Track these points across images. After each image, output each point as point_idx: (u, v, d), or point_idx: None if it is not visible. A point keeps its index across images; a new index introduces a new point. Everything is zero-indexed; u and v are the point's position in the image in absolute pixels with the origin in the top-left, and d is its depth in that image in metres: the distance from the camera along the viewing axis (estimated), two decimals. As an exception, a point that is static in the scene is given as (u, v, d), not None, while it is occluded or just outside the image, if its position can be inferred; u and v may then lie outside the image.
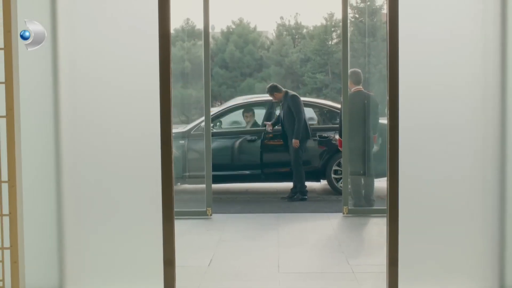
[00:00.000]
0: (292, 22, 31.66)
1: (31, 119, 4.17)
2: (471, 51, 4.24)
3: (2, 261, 3.93)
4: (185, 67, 9.06)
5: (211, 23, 7.68)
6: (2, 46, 3.89)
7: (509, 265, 4.26)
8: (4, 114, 3.89)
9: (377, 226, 6.49)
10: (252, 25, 31.22)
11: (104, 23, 4.29)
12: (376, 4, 10.76)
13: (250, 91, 24.91)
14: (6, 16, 3.88)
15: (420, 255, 4.28)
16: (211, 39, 9.15)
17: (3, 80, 3.89)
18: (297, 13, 31.84)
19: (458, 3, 4.24)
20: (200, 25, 7.52)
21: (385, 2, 4.26)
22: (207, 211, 7.17)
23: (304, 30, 31.44)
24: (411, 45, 4.19)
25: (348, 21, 7.55)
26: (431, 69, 4.25)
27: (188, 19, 17.65)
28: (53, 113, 4.26)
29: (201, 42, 7.60)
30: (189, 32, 19.46)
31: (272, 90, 8.88)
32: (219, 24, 31.65)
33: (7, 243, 3.92)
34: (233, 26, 30.85)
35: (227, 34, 30.24)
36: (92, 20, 4.28)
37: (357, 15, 26.51)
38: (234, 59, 28.38)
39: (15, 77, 3.88)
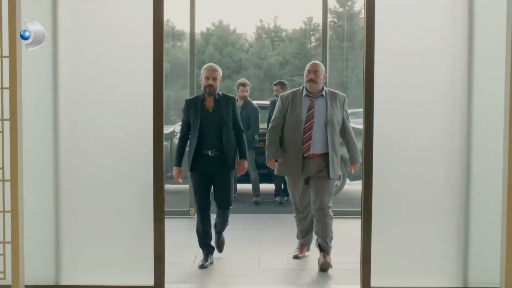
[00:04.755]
0: (272, 25, 31.84)
1: (32, 122, 4.36)
2: (440, 61, 4.51)
3: (4, 255, 4.19)
4: (165, 68, 9.24)
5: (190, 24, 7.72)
6: (7, 54, 4.16)
7: (472, 265, 4.55)
8: (8, 117, 4.16)
9: (353, 227, 6.77)
10: (231, 27, 31.35)
11: (101, 32, 4.48)
12: (354, 9, 10.60)
13: (229, 92, 25.02)
14: (11, 26, 4.14)
15: (391, 254, 4.53)
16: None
17: (7, 85, 4.16)
18: (276, 16, 32.06)
19: (430, 16, 4.50)
20: (179, 27, 7.73)
21: (363, 7, 4.53)
22: (190, 211, 7.45)
23: (283, 33, 31.61)
24: (386, 55, 4.44)
25: (327, 25, 7.72)
26: (405, 79, 4.50)
27: (168, 20, 17.76)
28: (53, 117, 4.46)
29: (180, 43, 7.84)
30: (169, 33, 19.54)
31: (283, 85, 8.67)
32: (199, 25, 31.75)
33: (8, 238, 4.18)
34: (213, 28, 30.95)
35: (206, 36, 30.31)
36: (91, 29, 4.48)
37: (335, 20, 26.81)
38: (213, 61, 28.24)
39: (18, 83, 4.13)
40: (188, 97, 6.14)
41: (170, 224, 6.62)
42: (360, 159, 5.28)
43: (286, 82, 8.94)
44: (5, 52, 4.14)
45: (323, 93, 5.38)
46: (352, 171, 5.58)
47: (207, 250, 5.50)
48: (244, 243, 6.27)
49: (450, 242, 4.57)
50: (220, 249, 5.67)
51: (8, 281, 4.20)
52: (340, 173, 5.72)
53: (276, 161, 5.46)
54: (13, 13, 4.12)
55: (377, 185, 4.49)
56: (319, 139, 5.29)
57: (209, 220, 5.50)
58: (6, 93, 4.14)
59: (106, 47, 4.50)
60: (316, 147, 5.29)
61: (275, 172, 5.59)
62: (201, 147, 5.38)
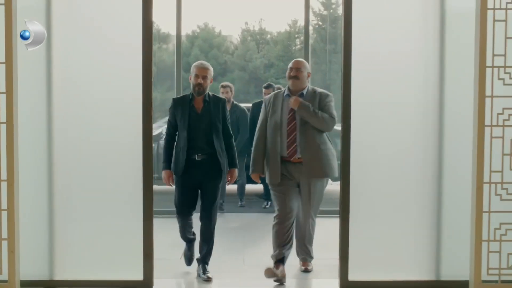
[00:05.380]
0: (257, 28, 31.91)
1: (27, 125, 4.54)
2: (414, 65, 4.74)
3: (0, 251, 4.37)
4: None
5: (176, 26, 7.82)
6: (3, 60, 4.33)
7: (444, 259, 4.77)
8: (5, 121, 4.35)
9: (332, 225, 6.98)
10: (217, 30, 31.41)
11: (93, 36, 4.66)
12: (338, 12, 10.46)
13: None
14: (7, 33, 4.33)
15: (367, 250, 4.74)
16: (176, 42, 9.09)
17: (3, 90, 4.33)
18: (261, 19, 32.09)
19: (403, 21, 4.73)
20: (165, 29, 7.65)
21: (342, 13, 4.75)
22: (176, 210, 7.62)
23: (268, 36, 31.69)
24: (363, 59, 4.66)
25: (312, 28, 7.82)
26: (381, 82, 4.72)
27: (153, 22, 17.87)
28: (46, 119, 4.63)
29: (165, 46, 7.74)
30: (154, 36, 19.60)
31: (274, 88, 8.34)
32: (185, 28, 31.69)
33: (5, 235, 4.36)
34: (198, 30, 30.99)
35: (192, 38, 30.32)
36: (83, 33, 4.65)
37: (320, 23, 26.94)
38: (198, 63, 28.41)
39: (14, 88, 4.33)
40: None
41: (157, 223, 6.83)
42: (306, 110, 4.95)
43: (274, 85, 8.62)
44: (1, 58, 4.32)
45: (304, 91, 5.10)
46: (292, 101, 5.02)
47: (191, 243, 5.38)
48: (229, 241, 6.47)
49: (423, 238, 4.78)
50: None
51: (4, 276, 4.39)
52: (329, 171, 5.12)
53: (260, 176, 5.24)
54: (9, 20, 4.31)
55: (354, 185, 4.69)
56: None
57: (191, 225, 5.28)
58: (3, 97, 4.33)
59: (98, 51, 4.67)
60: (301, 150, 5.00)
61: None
62: (188, 151, 5.03)
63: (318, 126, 4.99)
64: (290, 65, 5.17)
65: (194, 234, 5.38)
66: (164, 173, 5.16)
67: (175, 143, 5.16)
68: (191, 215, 5.25)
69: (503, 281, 4.55)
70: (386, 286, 4.73)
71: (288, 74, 5.13)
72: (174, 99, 5.23)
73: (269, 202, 8.40)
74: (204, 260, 5.22)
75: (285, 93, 5.14)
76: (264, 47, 31.10)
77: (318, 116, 4.95)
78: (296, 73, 5.07)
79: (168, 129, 5.22)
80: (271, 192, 5.21)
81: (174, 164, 5.12)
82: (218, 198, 5.22)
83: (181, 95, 5.50)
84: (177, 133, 5.15)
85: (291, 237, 5.14)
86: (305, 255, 5.35)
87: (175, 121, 5.13)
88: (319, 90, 5.17)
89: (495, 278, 4.56)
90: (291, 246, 5.16)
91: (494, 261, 4.53)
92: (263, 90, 8.60)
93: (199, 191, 5.17)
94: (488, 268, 4.53)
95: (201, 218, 5.18)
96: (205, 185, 5.11)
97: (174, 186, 5.21)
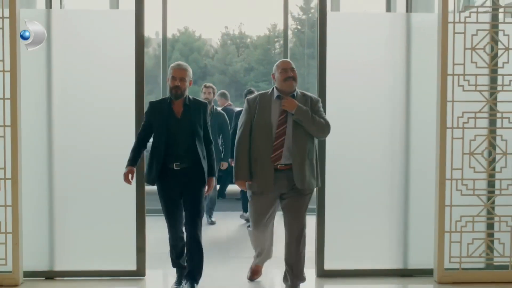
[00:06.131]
0: (237, 32, 31.99)
1: (30, 128, 4.86)
2: (383, 72, 5.10)
3: (6, 244, 4.72)
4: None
5: (155, 30, 7.96)
6: (8, 69, 4.68)
7: (410, 249, 5.16)
8: (9, 124, 4.68)
9: (308, 222, 7.34)
10: (197, 34, 31.45)
11: (89, 50, 4.97)
12: (317, 16, 10.52)
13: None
14: (12, 44, 4.68)
15: (341, 244, 5.09)
16: (156, 46, 8.82)
17: (8, 96, 4.67)
18: (241, 23, 32.19)
19: (374, 34, 5.11)
20: (145, 33, 7.55)
21: (317, 25, 5.07)
22: (164, 209, 7.89)
23: (248, 40, 31.75)
24: (336, 66, 5.01)
25: (291, 32, 7.97)
26: (352, 86, 5.07)
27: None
28: (47, 123, 4.95)
29: (146, 50, 7.73)
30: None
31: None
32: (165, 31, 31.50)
33: (9, 229, 4.71)
34: (178, 34, 31.00)
35: (172, 42, 30.30)
36: (80, 48, 4.96)
37: (299, 27, 27.17)
38: (179, 67, 28.29)
39: (18, 94, 4.68)
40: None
41: (148, 221, 7.13)
42: (305, 114, 4.46)
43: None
44: (7, 67, 4.68)
45: (294, 93, 4.58)
46: (288, 103, 4.48)
47: (181, 271, 4.85)
48: (214, 237, 6.83)
49: (392, 230, 5.15)
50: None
51: (9, 267, 4.74)
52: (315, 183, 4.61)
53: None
54: (13, 31, 4.67)
55: (329, 184, 5.03)
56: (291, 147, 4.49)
57: (183, 238, 4.76)
58: (8, 103, 4.69)
59: (94, 60, 5.00)
60: (288, 157, 4.49)
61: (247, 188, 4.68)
62: (167, 159, 4.52)
63: (314, 132, 4.54)
64: (282, 66, 4.61)
65: (184, 255, 4.81)
66: (126, 169, 4.52)
67: (150, 150, 4.61)
68: (181, 225, 4.72)
69: (463, 269, 4.97)
70: (359, 274, 5.11)
71: (284, 75, 4.54)
72: (151, 103, 4.67)
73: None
74: (193, 277, 4.68)
75: (275, 94, 4.59)
76: (244, 51, 31.08)
77: (315, 121, 4.50)
78: (294, 74, 4.56)
79: (141, 132, 4.64)
80: (251, 201, 4.73)
81: (147, 173, 4.62)
82: (203, 208, 4.72)
83: (160, 98, 4.91)
84: (150, 139, 4.66)
85: (270, 238, 4.94)
86: (299, 280, 4.72)
87: (150, 126, 4.59)
88: (308, 93, 4.67)
89: (457, 266, 4.97)
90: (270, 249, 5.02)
91: (455, 251, 4.95)
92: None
93: (182, 201, 4.66)
94: (450, 256, 4.95)
95: (186, 229, 4.68)
96: (186, 196, 4.60)
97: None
